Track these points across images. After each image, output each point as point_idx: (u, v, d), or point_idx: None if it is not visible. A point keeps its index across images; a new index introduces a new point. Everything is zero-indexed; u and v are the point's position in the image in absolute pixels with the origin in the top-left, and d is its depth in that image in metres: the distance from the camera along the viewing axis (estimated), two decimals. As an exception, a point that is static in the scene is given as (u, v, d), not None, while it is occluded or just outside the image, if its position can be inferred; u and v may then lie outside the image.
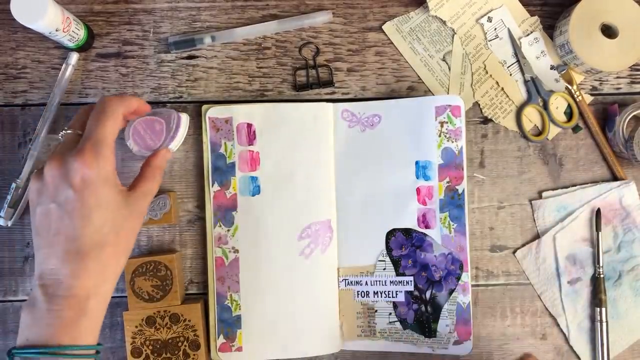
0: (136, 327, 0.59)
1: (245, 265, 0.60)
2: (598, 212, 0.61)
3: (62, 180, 0.46)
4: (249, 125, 0.61)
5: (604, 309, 0.61)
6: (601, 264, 0.61)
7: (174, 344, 0.59)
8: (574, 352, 0.62)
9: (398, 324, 0.61)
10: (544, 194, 0.63)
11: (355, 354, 0.62)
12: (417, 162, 0.61)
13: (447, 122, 0.60)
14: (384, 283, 0.61)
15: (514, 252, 0.63)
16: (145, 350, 0.59)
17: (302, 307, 0.60)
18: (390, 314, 0.61)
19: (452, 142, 0.60)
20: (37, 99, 0.63)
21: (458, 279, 0.60)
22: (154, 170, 0.52)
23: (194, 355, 0.59)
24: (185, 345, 0.59)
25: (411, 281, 0.60)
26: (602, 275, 0.61)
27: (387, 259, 0.61)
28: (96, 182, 0.46)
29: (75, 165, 0.45)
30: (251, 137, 0.61)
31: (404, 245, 0.61)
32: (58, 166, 0.46)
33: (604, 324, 0.61)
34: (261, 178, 0.61)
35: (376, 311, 0.61)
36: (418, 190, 0.61)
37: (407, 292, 0.60)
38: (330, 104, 0.62)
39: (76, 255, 0.45)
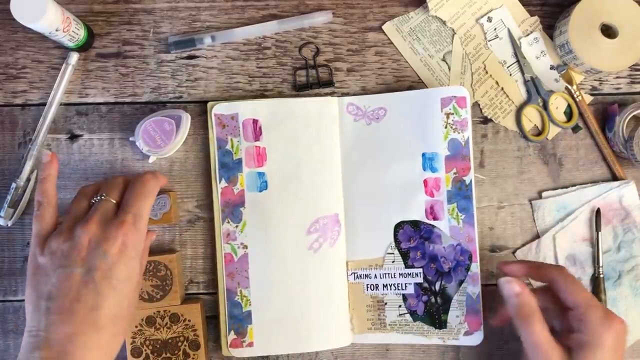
0: (136, 326, 0.59)
1: (254, 260, 0.61)
2: (598, 212, 0.62)
3: (99, 245, 0.46)
4: (255, 121, 0.61)
5: (603, 309, 0.61)
6: (601, 264, 0.61)
7: (173, 343, 0.59)
8: (574, 352, 0.62)
9: (408, 316, 0.61)
10: (544, 194, 0.63)
11: (354, 354, 0.62)
12: (423, 154, 0.61)
13: (453, 114, 0.60)
14: (393, 275, 0.61)
15: (513, 252, 0.63)
16: (145, 350, 0.59)
17: (312, 301, 0.60)
18: (400, 306, 0.61)
19: (459, 133, 0.60)
20: (37, 99, 0.63)
21: (467, 269, 0.60)
22: (146, 251, 0.54)
23: (194, 355, 0.59)
24: (185, 345, 0.59)
25: (420, 273, 0.61)
26: (602, 275, 0.61)
27: (396, 251, 0.61)
28: (131, 254, 0.47)
29: (117, 234, 0.46)
30: (257, 132, 0.61)
31: (413, 238, 0.61)
32: (97, 231, 0.47)
33: (604, 324, 0.61)
34: (268, 174, 0.61)
35: (386, 304, 0.61)
36: (425, 182, 0.61)
37: (417, 284, 0.61)
38: (335, 98, 0.62)
39: (93, 327, 0.44)
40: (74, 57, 0.62)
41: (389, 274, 0.61)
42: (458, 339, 0.60)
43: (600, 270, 0.61)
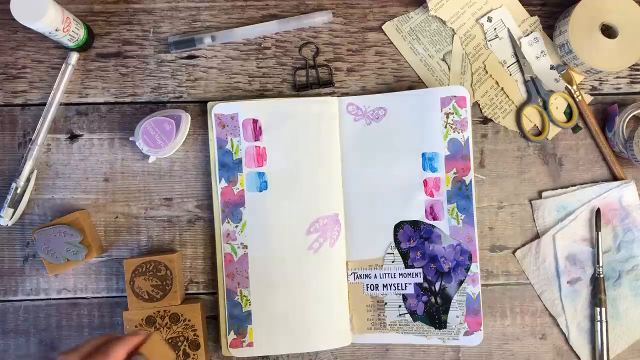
0: (136, 326, 0.59)
1: (254, 261, 0.61)
2: (598, 212, 0.62)
3: None
4: (255, 121, 0.61)
5: (603, 309, 0.61)
6: (601, 264, 0.61)
7: (173, 343, 0.59)
8: (574, 352, 0.62)
9: (408, 316, 0.61)
10: (544, 194, 0.63)
11: (354, 354, 0.63)
12: (423, 154, 0.61)
13: (452, 113, 0.60)
14: (393, 276, 0.61)
15: (513, 252, 0.63)
16: (145, 350, 0.59)
17: (312, 301, 0.61)
18: (400, 306, 0.61)
19: (458, 133, 0.60)
20: (37, 99, 0.63)
21: (467, 269, 0.60)
22: None
23: (194, 355, 0.59)
24: (185, 345, 0.59)
25: (420, 273, 0.61)
26: (601, 275, 0.61)
27: (396, 251, 0.61)
28: None
29: None
30: (257, 132, 0.61)
31: (412, 238, 0.61)
32: None
33: (604, 324, 0.61)
34: (268, 174, 0.61)
35: (386, 304, 0.61)
36: (425, 182, 0.61)
37: (417, 284, 0.61)
38: (335, 98, 0.62)
39: None
40: (74, 57, 0.62)
41: (389, 274, 0.61)
42: (458, 339, 0.60)
43: (600, 270, 0.61)
